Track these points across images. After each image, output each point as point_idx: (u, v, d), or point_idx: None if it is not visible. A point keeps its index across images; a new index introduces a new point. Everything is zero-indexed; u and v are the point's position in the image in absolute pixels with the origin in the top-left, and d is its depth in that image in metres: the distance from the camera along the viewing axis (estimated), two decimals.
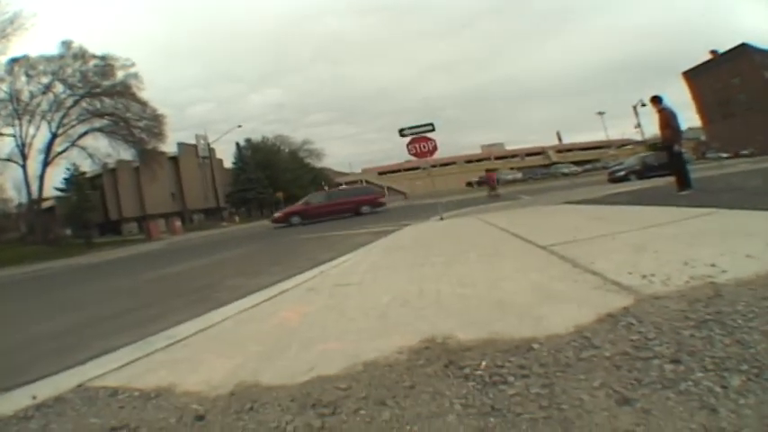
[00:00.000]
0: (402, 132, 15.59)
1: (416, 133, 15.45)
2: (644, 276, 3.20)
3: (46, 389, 2.94)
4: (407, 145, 15.51)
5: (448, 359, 2.34)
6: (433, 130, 15.56)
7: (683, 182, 10.27)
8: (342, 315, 3.59)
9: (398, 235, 10.66)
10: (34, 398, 2.78)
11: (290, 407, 2.16)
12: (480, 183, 77.86)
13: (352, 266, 6.30)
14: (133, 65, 48.07)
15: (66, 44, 45.40)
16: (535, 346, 2.33)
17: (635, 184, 18.75)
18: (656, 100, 10.71)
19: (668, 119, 10.61)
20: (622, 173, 27.88)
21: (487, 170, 51.59)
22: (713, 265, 3.21)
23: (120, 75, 47.80)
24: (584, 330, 2.43)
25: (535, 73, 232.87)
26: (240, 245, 18.41)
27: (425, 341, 2.61)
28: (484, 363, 2.25)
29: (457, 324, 2.84)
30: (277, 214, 30.40)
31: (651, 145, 27.15)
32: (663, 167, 25.76)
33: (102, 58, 46.91)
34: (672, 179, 11.33)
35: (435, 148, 15.59)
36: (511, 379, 2.07)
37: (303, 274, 6.41)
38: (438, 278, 4.40)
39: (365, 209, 29.14)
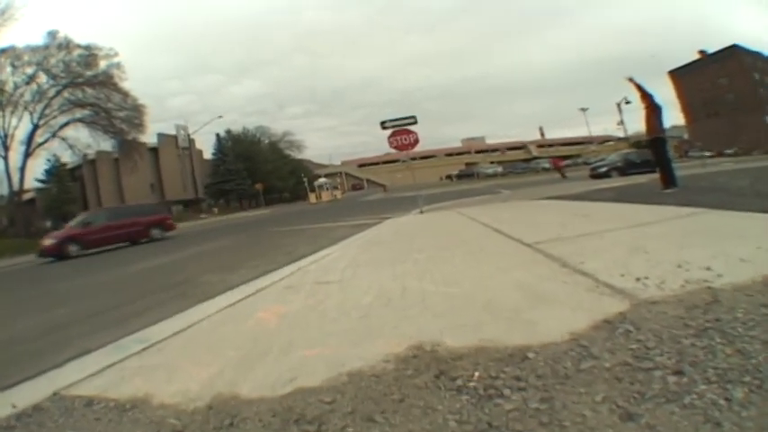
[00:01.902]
0: (384, 125, 15.56)
1: (398, 126, 15.43)
2: (638, 279, 3.13)
3: (24, 396, 2.85)
4: (389, 138, 15.49)
5: (438, 369, 2.23)
6: (416, 122, 15.56)
7: (668, 180, 10.29)
8: (322, 316, 3.48)
9: (378, 229, 10.58)
10: (14, 407, 2.68)
11: (272, 422, 2.05)
12: (460, 176, 78.38)
13: (331, 262, 6.18)
14: (116, 54, 48.20)
15: (52, 34, 45.51)
16: (530, 355, 2.22)
17: (617, 181, 18.87)
18: (646, 95, 10.68)
19: (653, 109, 10.61)
20: (604, 169, 28.07)
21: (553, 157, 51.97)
22: (708, 269, 3.14)
23: (102, 65, 47.87)
24: (581, 338, 2.33)
25: (517, 68, 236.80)
26: (219, 237, 18.37)
27: (413, 348, 2.50)
28: (477, 373, 2.14)
29: (445, 328, 2.73)
30: (48, 241, 21.49)
31: (635, 142, 27.42)
32: (644, 165, 26.24)
33: (87, 47, 46.86)
34: (655, 176, 11.38)
35: (416, 141, 15.58)
36: (507, 392, 1.97)
37: (282, 270, 6.35)
38: (421, 276, 4.30)
39: (155, 232, 24.14)
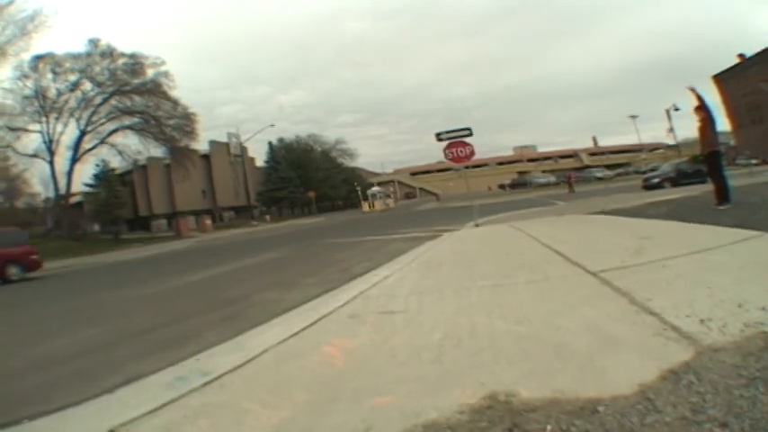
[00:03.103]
0: (439, 137, 15.52)
1: (454, 138, 15.36)
2: (701, 321, 3.05)
3: (76, 429, 2.83)
4: (444, 149, 15.44)
5: (512, 422, 2.22)
6: (471, 134, 15.44)
7: (723, 195, 9.94)
8: (392, 356, 3.41)
9: (436, 246, 10.46)
10: None
11: None
12: (513, 186, 77.25)
13: (393, 287, 6.12)
14: (163, 63, 49.28)
15: (94, 42, 46.44)
16: (600, 408, 2.20)
17: (670, 193, 18.34)
18: (701, 106, 10.31)
19: (710, 121, 10.25)
20: (656, 180, 27.50)
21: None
22: (764, 309, 3.08)
23: (150, 73, 48.87)
24: (648, 390, 2.30)
25: (563, 73, 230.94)
26: (271, 248, 18.15)
27: (487, 398, 2.47)
28: (549, 427, 2.13)
29: (518, 376, 2.70)
30: None
31: (692, 156, 26.57)
32: (696, 175, 25.50)
33: (132, 56, 47.88)
34: (706, 188, 10.99)
35: (472, 153, 15.50)
36: None
37: (341, 292, 6.30)
38: (489, 310, 4.24)
39: (13, 271, 18.40)
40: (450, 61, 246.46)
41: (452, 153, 15.37)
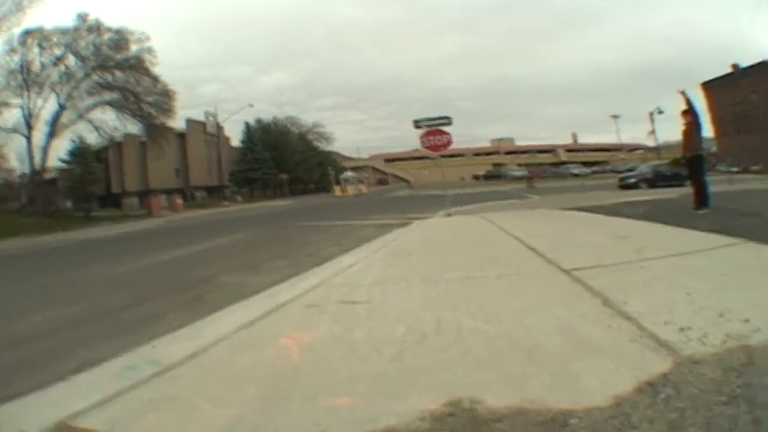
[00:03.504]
0: (418, 124, 15.42)
1: (432, 126, 15.29)
2: (681, 329, 2.94)
3: (30, 422, 2.65)
4: (421, 137, 15.35)
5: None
6: (450, 123, 15.38)
7: (702, 200, 10.03)
8: (351, 351, 3.23)
9: (406, 234, 10.39)
10: None
11: None
12: (487, 177, 77.85)
13: (357, 275, 5.96)
14: (148, 38, 48.08)
15: (82, 17, 45.28)
16: (572, 421, 2.05)
17: (646, 194, 18.54)
18: (689, 110, 10.40)
19: (696, 126, 10.38)
20: (633, 180, 27.97)
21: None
22: (746, 321, 2.99)
23: (133, 49, 47.84)
24: (624, 402, 2.17)
25: (550, 71, 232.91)
26: (240, 229, 18.17)
27: (450, 404, 2.29)
28: None
29: (484, 380, 2.54)
30: None
31: (675, 159, 27.03)
32: (673, 178, 25.91)
33: (118, 31, 46.77)
34: (684, 191, 11.11)
35: (449, 142, 15.45)
36: None
37: (304, 279, 6.15)
38: (456, 304, 4.08)
39: None
40: (439, 52, 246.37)
41: (429, 141, 15.31)
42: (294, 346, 3.45)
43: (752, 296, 3.52)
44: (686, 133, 10.49)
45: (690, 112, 10.33)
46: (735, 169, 59.30)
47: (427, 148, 15.62)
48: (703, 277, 4.20)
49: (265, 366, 3.13)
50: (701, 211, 9.58)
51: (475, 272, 5.45)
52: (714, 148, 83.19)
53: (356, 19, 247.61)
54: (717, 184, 20.54)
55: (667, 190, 20.22)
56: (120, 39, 46.87)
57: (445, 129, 15.36)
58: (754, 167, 64.33)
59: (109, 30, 46.40)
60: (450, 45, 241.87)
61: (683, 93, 10.45)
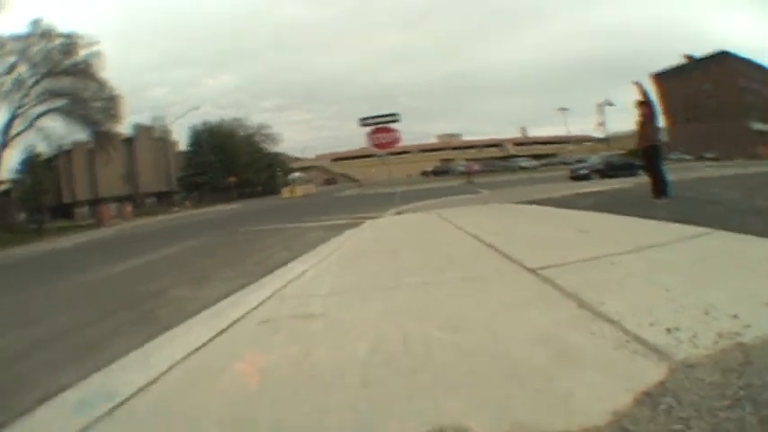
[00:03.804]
0: (364, 122, 15.30)
1: (379, 123, 15.22)
2: (668, 331, 2.80)
3: None
4: (368, 135, 15.26)
5: None
6: (398, 120, 15.38)
7: (660, 189, 10.15)
8: (312, 377, 2.89)
9: (357, 234, 10.20)
10: None
11: None
12: (436, 173, 78.65)
13: (310, 283, 5.66)
14: (97, 43, 48.78)
15: (36, 22, 45.62)
16: None
17: (599, 184, 18.76)
18: (645, 101, 10.54)
19: (651, 117, 10.53)
20: (585, 171, 28.39)
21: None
22: (735, 317, 2.89)
23: (82, 53, 48.26)
24: (624, 418, 2.00)
25: (499, 66, 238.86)
26: (190, 236, 17.96)
27: None
28: None
29: (466, 405, 2.29)
30: None
31: (631, 150, 27.64)
32: (625, 168, 26.51)
33: (68, 36, 47.20)
34: (638, 181, 11.26)
35: (397, 140, 15.46)
36: None
37: (255, 290, 5.87)
38: (420, 314, 3.81)
39: None
40: (384, 49, 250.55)
41: (377, 139, 15.35)
42: (251, 373, 3.13)
43: (734, 290, 3.42)
44: (641, 124, 10.65)
45: (645, 103, 10.50)
46: (688, 157, 61.70)
47: (375, 146, 15.66)
48: (679, 271, 4.12)
49: (221, 400, 2.79)
50: (660, 201, 9.71)
51: (434, 275, 5.22)
52: (666, 138, 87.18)
53: (299, 18, 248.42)
54: (672, 172, 21.22)
55: (620, 180, 20.65)
56: (70, 43, 47.37)
57: (393, 126, 15.30)
58: (708, 155, 67.12)
59: (60, 35, 47.00)
60: (395, 42, 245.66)
61: (638, 84, 10.64)
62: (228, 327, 4.27)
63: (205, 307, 5.54)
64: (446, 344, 3.14)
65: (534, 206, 11.75)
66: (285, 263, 7.89)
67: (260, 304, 4.94)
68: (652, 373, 2.37)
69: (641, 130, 10.72)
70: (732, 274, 3.89)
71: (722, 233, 5.55)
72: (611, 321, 3.10)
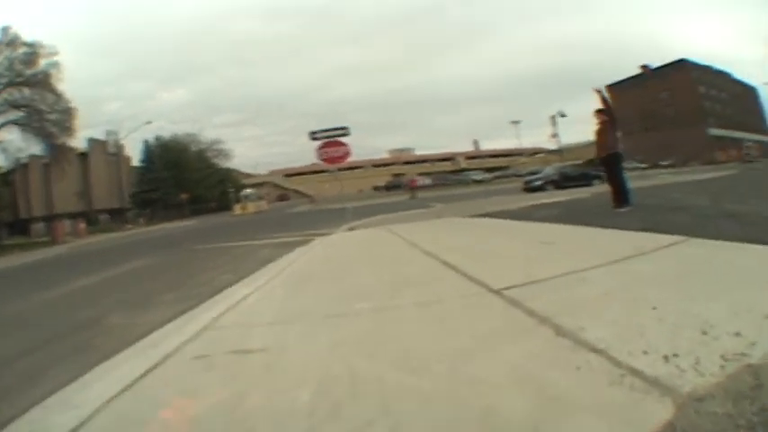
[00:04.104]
0: (314, 135, 15.14)
1: (329, 137, 15.10)
2: (666, 358, 2.44)
3: None
4: (318, 149, 15.11)
5: None
6: (348, 134, 15.30)
7: (622, 198, 10.05)
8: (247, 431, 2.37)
9: (307, 253, 9.84)
10: None
11: None
12: (388, 188, 79.16)
13: (253, 309, 5.20)
14: (57, 53, 49.26)
15: (5, 30, 46.49)
16: None
17: (554, 195, 18.88)
18: (605, 110, 10.51)
19: (611, 125, 10.49)
20: (539, 183, 28.65)
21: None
22: (738, 334, 2.59)
23: (42, 63, 48.75)
24: None
25: (451, 80, 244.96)
26: (138, 255, 17.88)
27: None
28: None
29: None
30: None
31: (589, 160, 27.90)
32: (580, 179, 26.79)
33: (31, 45, 47.80)
34: (595, 190, 11.26)
35: (348, 154, 15.30)
36: None
37: (194, 320, 5.31)
38: (373, 349, 3.31)
39: None
40: (335, 65, 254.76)
41: (327, 153, 15.21)
42: (179, 422, 2.65)
43: (728, 303, 3.15)
44: (600, 132, 10.65)
45: (606, 111, 10.46)
46: (643, 165, 63.62)
47: (324, 160, 15.47)
48: (662, 285, 3.82)
49: None
50: (622, 209, 9.65)
51: (388, 300, 4.73)
52: (623, 148, 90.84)
53: (254, 33, 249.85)
54: (631, 180, 21.80)
55: (576, 190, 20.80)
56: (33, 53, 47.93)
57: (343, 140, 15.20)
58: (663, 162, 69.50)
59: (24, 44, 47.72)
60: (350, 57, 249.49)
61: (598, 91, 10.60)
62: (161, 362, 3.75)
63: (140, 337, 5.20)
64: (404, 389, 2.61)
65: (491, 219, 11.55)
66: (230, 285, 7.66)
67: (197, 335, 4.42)
68: (657, 413, 2.02)
69: (600, 139, 10.68)
70: (722, 286, 3.62)
71: (698, 240, 5.35)
72: (596, 351, 2.70)
